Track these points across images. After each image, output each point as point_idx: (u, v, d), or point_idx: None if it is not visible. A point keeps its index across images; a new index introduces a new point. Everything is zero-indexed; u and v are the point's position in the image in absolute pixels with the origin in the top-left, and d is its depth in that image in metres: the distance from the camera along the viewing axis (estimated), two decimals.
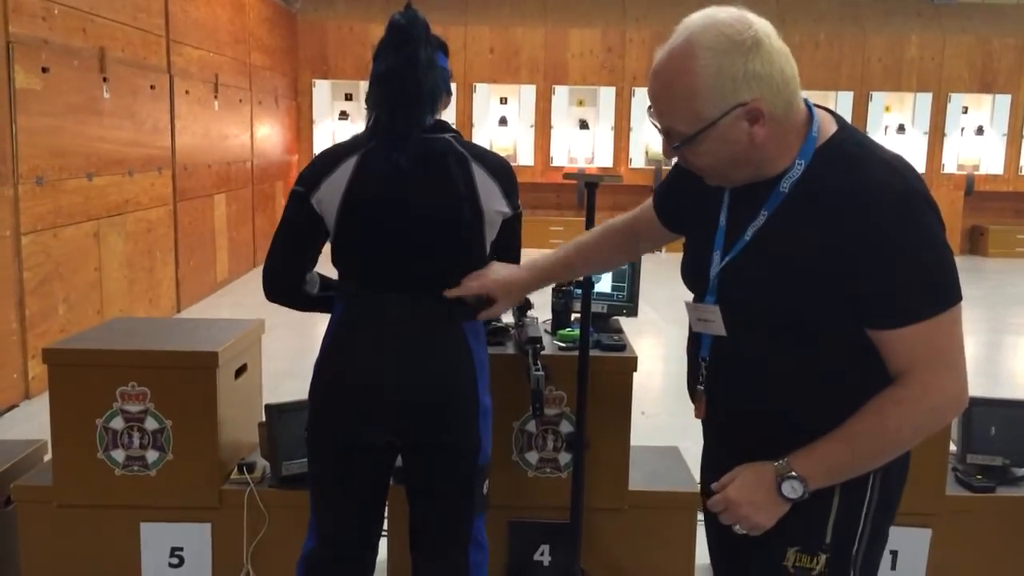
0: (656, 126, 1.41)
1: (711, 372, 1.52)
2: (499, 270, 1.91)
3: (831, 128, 1.41)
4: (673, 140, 1.38)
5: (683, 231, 1.63)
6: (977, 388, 3.24)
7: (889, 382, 1.37)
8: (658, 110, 1.39)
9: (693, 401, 1.57)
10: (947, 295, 1.34)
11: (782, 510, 1.40)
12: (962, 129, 11.91)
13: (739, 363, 1.47)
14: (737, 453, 1.48)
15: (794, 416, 1.43)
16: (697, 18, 1.34)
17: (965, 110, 11.86)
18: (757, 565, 1.53)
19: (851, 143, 1.39)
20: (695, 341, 1.56)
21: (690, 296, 1.57)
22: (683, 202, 1.60)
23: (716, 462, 1.58)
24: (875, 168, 1.35)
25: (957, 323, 1.35)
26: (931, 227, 1.34)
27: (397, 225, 1.86)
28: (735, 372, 1.48)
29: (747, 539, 1.48)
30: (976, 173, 11.89)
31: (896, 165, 1.36)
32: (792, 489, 1.38)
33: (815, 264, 1.34)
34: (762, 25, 1.33)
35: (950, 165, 11.94)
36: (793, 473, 1.38)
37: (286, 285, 2.00)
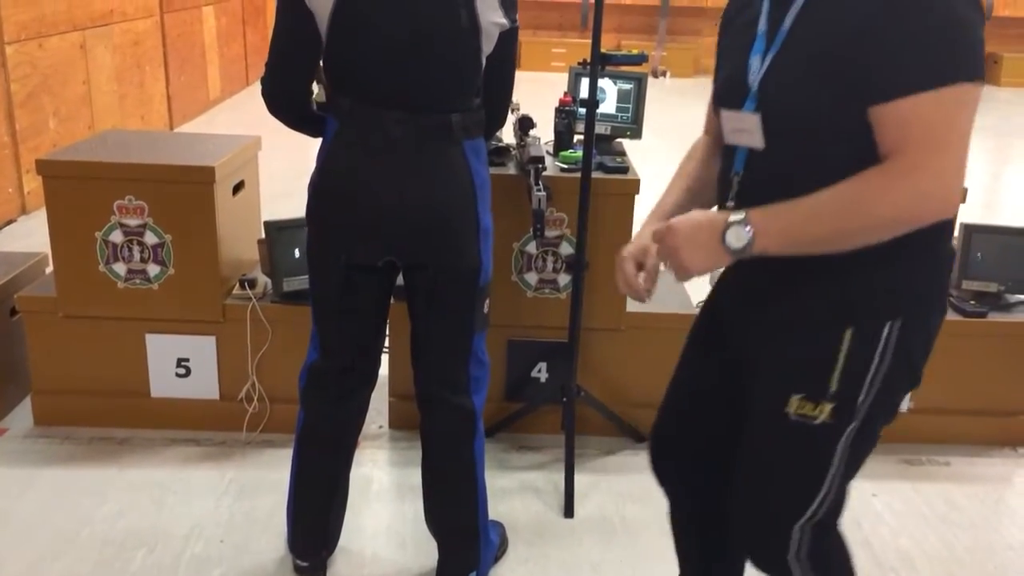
0: None
1: (744, 187, 1.42)
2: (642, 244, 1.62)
3: None
4: None
5: None
6: (977, 216, 3.27)
7: None
8: None
9: None
10: (951, 68, 1.19)
11: (719, 261, 1.33)
12: None
13: (775, 177, 1.37)
14: (756, 272, 1.40)
15: None
16: None
17: None
18: (758, 411, 1.49)
19: None
20: (728, 155, 1.46)
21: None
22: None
23: (733, 284, 1.54)
24: None
25: (964, 107, 1.19)
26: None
27: (392, 27, 1.77)
28: (769, 187, 1.37)
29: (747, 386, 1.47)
30: None
31: None
32: (736, 237, 1.29)
33: (846, 49, 1.25)
34: None
35: None
36: (742, 219, 1.29)
37: (289, 94, 1.93)
